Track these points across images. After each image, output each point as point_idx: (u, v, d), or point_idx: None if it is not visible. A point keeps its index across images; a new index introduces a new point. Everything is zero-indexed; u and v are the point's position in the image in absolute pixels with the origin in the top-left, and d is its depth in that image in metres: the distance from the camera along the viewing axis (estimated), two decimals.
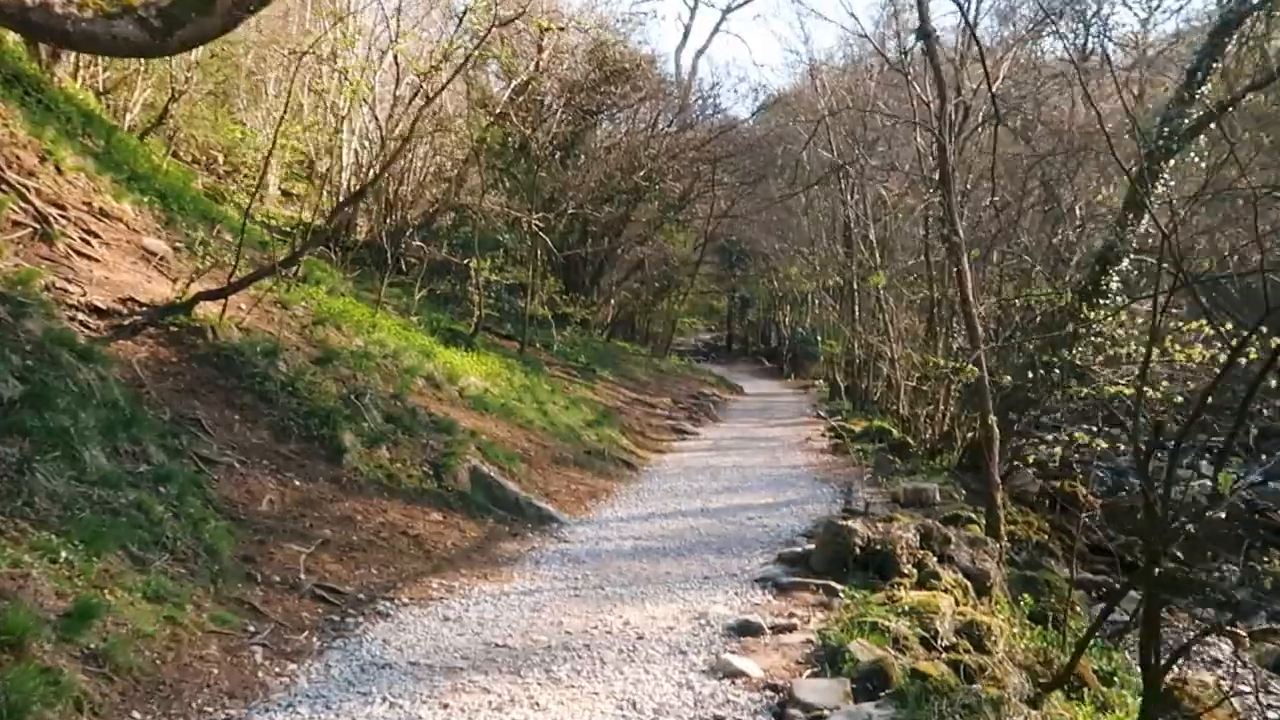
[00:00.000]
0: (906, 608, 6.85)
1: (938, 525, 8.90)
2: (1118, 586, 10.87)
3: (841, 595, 7.66)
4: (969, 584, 8.28)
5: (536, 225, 23.01)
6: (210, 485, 8.22)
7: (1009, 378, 13.34)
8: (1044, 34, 26.31)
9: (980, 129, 19.25)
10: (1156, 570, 5.69)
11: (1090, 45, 28.40)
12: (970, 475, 14.49)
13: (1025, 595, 9.27)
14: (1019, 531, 13.58)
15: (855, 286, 25.74)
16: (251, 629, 6.48)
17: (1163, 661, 5.87)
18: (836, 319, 29.58)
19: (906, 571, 8.12)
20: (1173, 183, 14.44)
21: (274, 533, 8.03)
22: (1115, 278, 14.33)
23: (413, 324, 16.55)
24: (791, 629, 6.84)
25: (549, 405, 16.37)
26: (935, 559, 8.46)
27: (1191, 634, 11.16)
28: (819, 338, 39.77)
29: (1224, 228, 15.67)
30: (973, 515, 10.37)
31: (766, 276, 41.23)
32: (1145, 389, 7.27)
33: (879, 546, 8.29)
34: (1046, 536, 14.17)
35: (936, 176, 19.37)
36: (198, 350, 10.24)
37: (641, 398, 23.51)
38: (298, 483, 9.03)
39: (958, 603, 7.54)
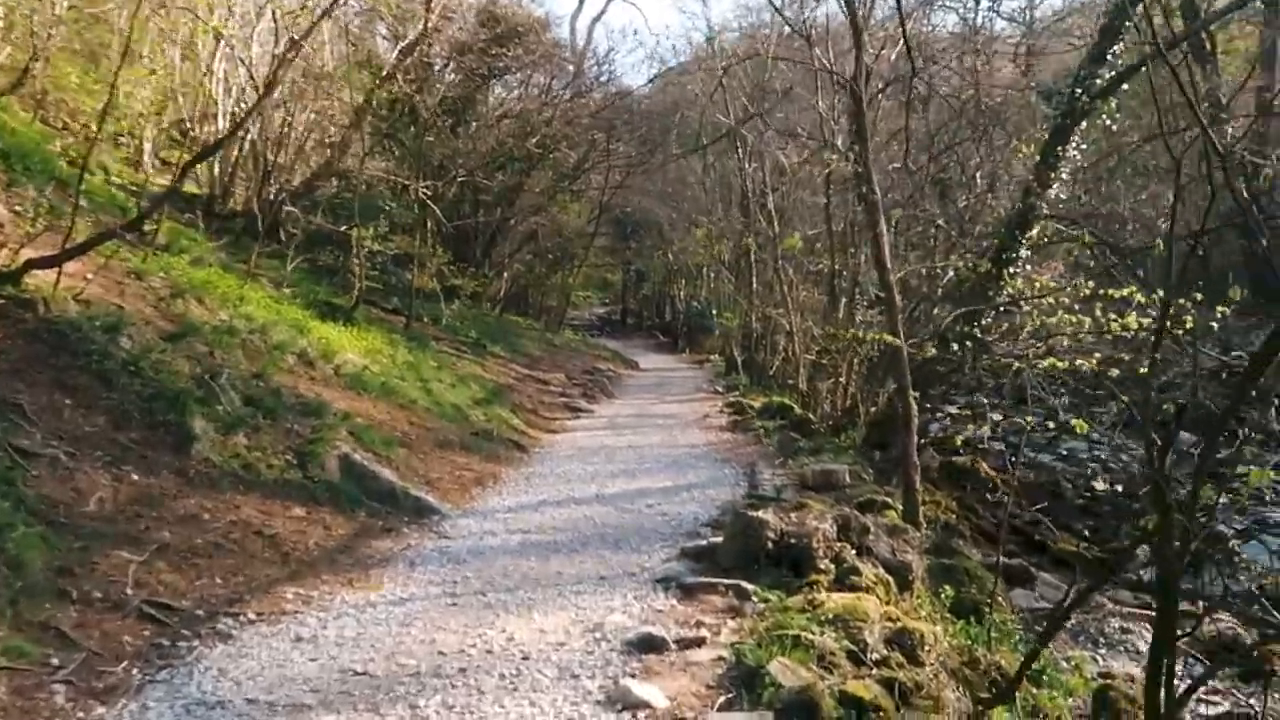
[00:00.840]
0: (830, 615, 5.98)
1: (855, 514, 8.08)
2: (1072, 590, 10.23)
3: (754, 598, 6.76)
4: (890, 579, 7.47)
5: (424, 193, 21.73)
6: (25, 483, 6.96)
7: (933, 349, 12.63)
8: (935, 5, 25.94)
9: (881, 94, 18.56)
10: (1169, 591, 4.84)
11: (980, 20, 28.05)
12: (876, 453, 13.81)
13: (945, 586, 8.53)
14: (928, 512, 12.89)
15: (753, 257, 24.99)
16: (55, 661, 5.33)
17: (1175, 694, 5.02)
18: (733, 291, 28.80)
19: (823, 567, 7.28)
20: (1084, 146, 13.92)
21: (101, 538, 6.82)
22: (1024, 244, 13.73)
23: (286, 297, 15.23)
24: (700, 643, 5.92)
25: (434, 384, 15.23)
26: (853, 551, 7.63)
27: (1116, 620, 10.64)
28: (714, 311, 39.13)
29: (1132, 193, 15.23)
30: (888, 500, 9.60)
31: (662, 249, 40.36)
32: (1151, 375, 6.48)
33: (793, 540, 7.43)
34: (955, 517, 13.54)
35: (840, 140, 18.72)
36: (25, 325, 8.92)
37: (534, 374, 22.45)
38: (135, 477, 7.81)
39: (883, 603, 6.70)
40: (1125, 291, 8.37)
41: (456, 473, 11.36)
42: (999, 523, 14.29)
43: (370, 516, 9.02)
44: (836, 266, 18.73)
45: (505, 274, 33.23)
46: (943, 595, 8.54)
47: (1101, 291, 8.92)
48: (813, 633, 5.67)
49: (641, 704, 5.01)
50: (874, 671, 5.55)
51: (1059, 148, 13.59)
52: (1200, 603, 11.04)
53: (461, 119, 27.82)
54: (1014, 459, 17.56)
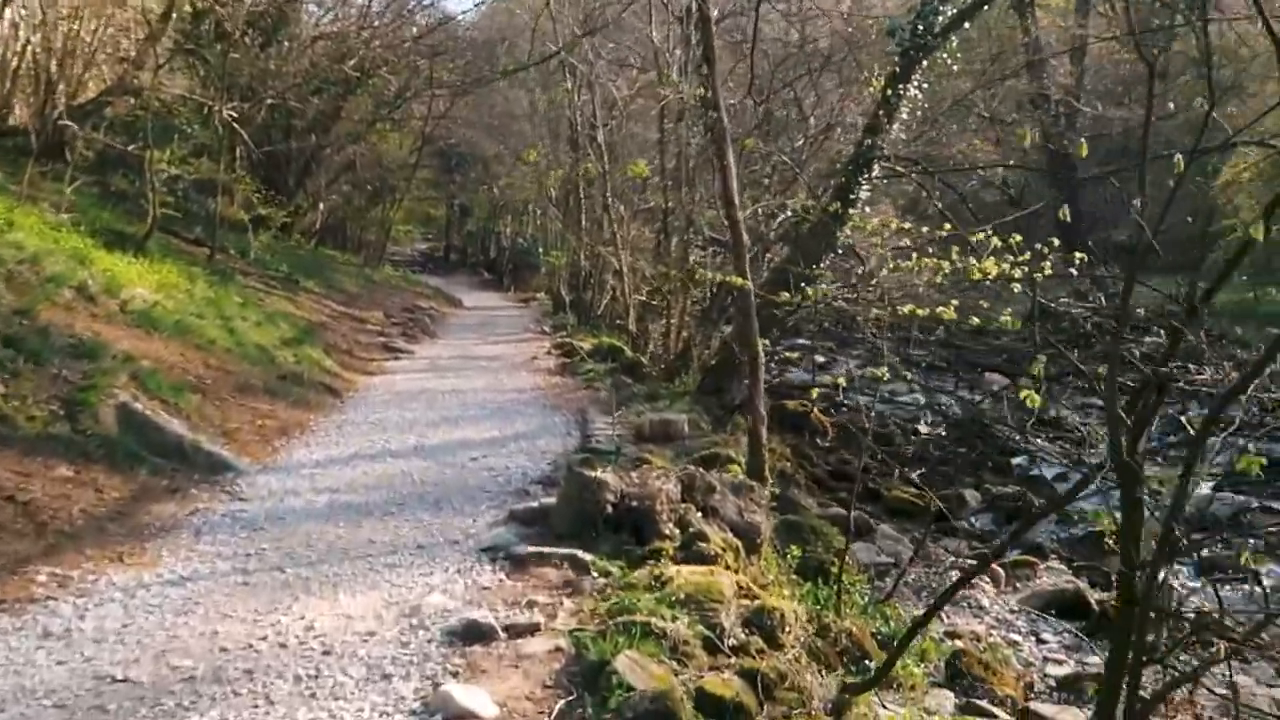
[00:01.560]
0: (682, 594, 5.25)
1: (700, 472, 7.37)
2: (964, 562, 9.83)
3: (593, 571, 5.99)
4: (738, 543, 6.81)
5: (230, 115, 19.95)
6: None
7: (785, 294, 12.03)
8: None
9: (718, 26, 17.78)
10: (1133, 606, 4.19)
11: None
12: (713, 400, 13.22)
13: (792, 546, 7.96)
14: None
15: (582, 193, 24.05)
16: None
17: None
18: (561, 229, 27.81)
19: (668, 533, 6.57)
20: (925, 85, 13.51)
21: None
22: (865, 185, 13.26)
23: (66, 224, 13.54)
24: (534, 630, 5.10)
25: (238, 321, 13.85)
26: (699, 513, 6.94)
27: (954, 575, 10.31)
28: (541, 249, 38.08)
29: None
30: (732, 454, 8.95)
31: (487, 184, 38.96)
32: (1118, 341, 5.86)
33: (634, 503, 6.68)
34: (790, 465, 13.09)
35: (675, 72, 17.90)
36: None
37: (350, 311, 21.07)
38: None
39: (734, 572, 6.03)
40: (980, 235, 7.86)
41: (259, 422, 10.19)
42: (836, 471, 14.01)
43: (153, 475, 7.83)
44: (669, 204, 17.98)
45: (321, 205, 31.36)
46: (789, 556, 7.96)
47: (948, 234, 8.41)
48: (663, 618, 4.93)
49: (466, 715, 4.16)
50: (733, 661, 4.86)
51: (900, 86, 13.12)
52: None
53: (272, 38, 25.80)
54: (870, 407, 17.37)
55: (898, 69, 13.18)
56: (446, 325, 24.07)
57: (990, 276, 7.52)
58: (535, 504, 7.33)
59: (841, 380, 10.87)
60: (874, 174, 13.42)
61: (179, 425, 8.76)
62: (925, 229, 10.96)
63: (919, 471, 15.39)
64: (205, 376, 10.79)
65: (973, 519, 12.98)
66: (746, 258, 8.40)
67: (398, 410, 12.05)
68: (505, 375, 15.73)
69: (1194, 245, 27.39)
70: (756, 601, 5.54)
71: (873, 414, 8.82)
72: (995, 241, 7.89)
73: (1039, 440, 19.36)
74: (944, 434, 17.37)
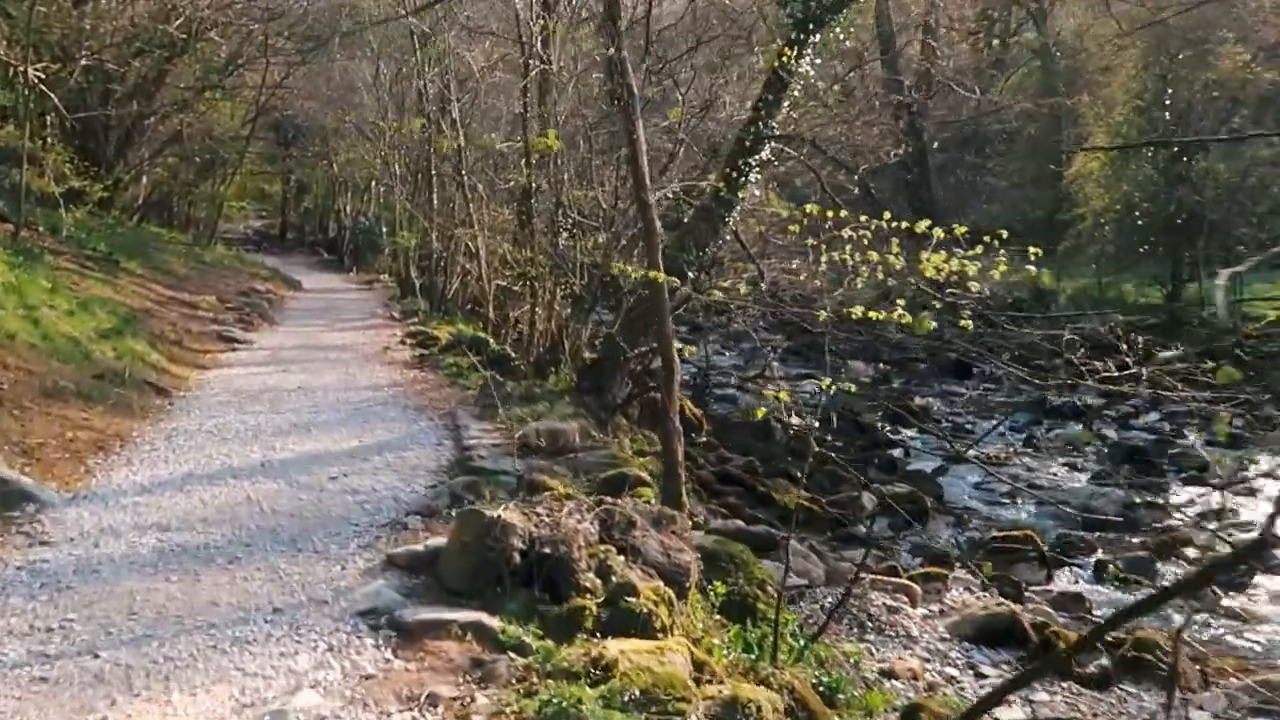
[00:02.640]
0: (635, 689, 4.02)
1: (619, 506, 6.13)
2: (856, 579, 8.77)
3: (508, 649, 4.70)
4: (670, 592, 5.62)
5: (38, 76, 17.64)
6: None
7: (688, 285, 10.85)
8: None
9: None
10: None
11: None
12: (592, 399, 11.98)
13: (715, 583, 6.83)
14: (649, 465, 11.22)
15: (434, 171, 22.40)
16: None
17: None
18: (409, 208, 26.02)
19: (588, 585, 5.34)
20: (818, 61, 12.52)
21: None
22: (754, 166, 12.20)
23: None
24: None
25: (44, 311, 11.91)
26: (620, 555, 5.71)
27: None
28: (385, 229, 36.03)
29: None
30: (640, 474, 7.73)
31: (327, 159, 36.61)
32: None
33: (547, 549, 5.41)
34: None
35: (539, 43, 16.53)
36: None
37: (179, 296, 19.00)
38: None
39: (687, 644, 4.84)
40: (922, 226, 6.82)
41: (69, 434, 8.47)
42: (721, 474, 12.97)
43: None
44: (534, 183, 16.61)
45: (145, 179, 28.72)
46: (712, 593, 6.81)
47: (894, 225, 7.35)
48: None
49: None
50: None
51: (791, 61, 12.10)
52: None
53: None
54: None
55: (790, 40, 12.14)
56: (286, 310, 22.12)
57: (943, 274, 6.48)
58: (420, 547, 5.97)
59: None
60: (763, 155, 12.36)
61: None
62: (822, 214, 9.93)
63: (798, 465, 14.67)
64: (1, 380, 8.98)
65: (868, 522, 12.11)
66: (659, 247, 7.18)
67: (238, 414, 10.42)
68: (357, 369, 14.15)
69: (1046, 231, 27.62)
70: (723, 690, 4.36)
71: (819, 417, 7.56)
72: (938, 232, 6.86)
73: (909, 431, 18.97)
74: (816, 426, 16.58)
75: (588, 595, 5.26)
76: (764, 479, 13.26)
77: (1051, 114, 30.57)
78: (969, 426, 19.97)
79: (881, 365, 25.69)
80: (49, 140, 19.13)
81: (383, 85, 28.92)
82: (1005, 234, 6.90)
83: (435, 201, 22.26)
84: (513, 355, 14.20)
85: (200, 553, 6.07)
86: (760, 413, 5.91)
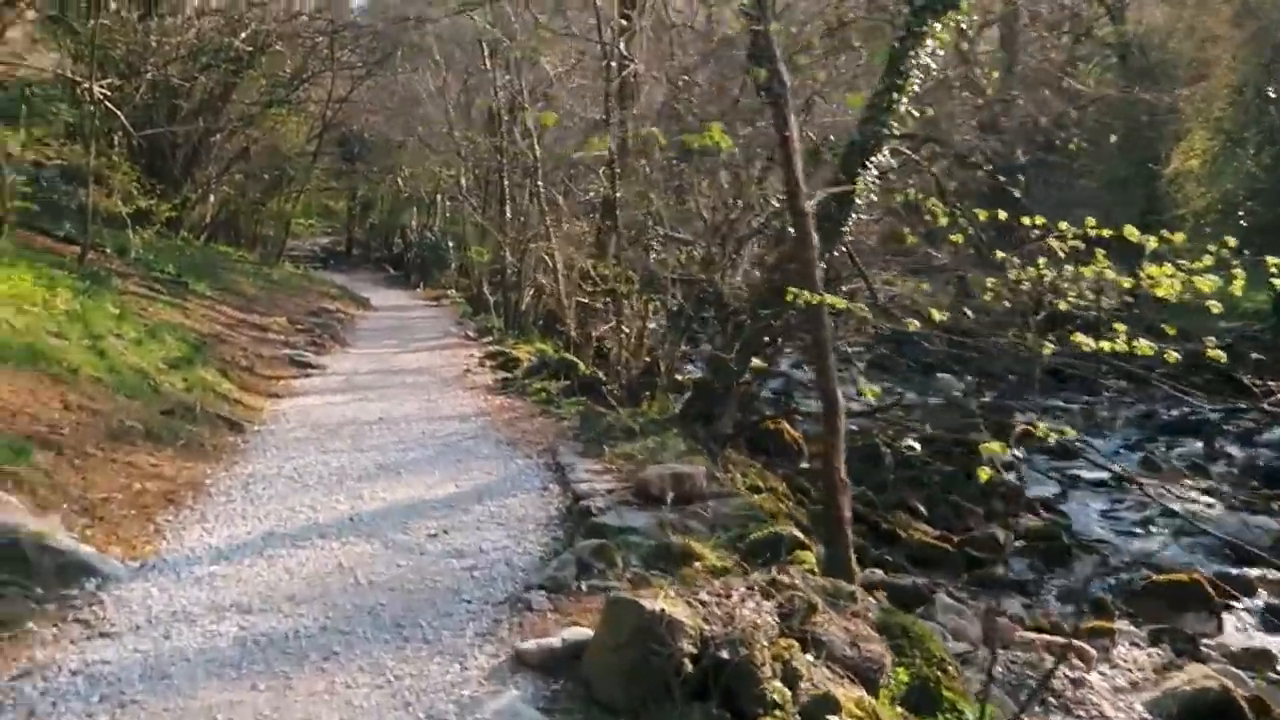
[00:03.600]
0: None
1: (796, 589, 4.95)
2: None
3: None
4: (873, 702, 4.46)
5: (103, 92, 16.88)
6: None
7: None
8: None
9: None
10: None
11: None
12: (699, 428, 10.81)
13: (898, 670, 5.64)
14: (765, 502, 10.00)
15: (506, 184, 21.40)
16: None
17: None
18: (480, 222, 25.01)
19: (775, 696, 4.19)
20: (940, 53, 11.30)
21: None
22: (873, 170, 10.97)
23: None
24: None
25: (111, 340, 11.00)
26: (806, 653, 4.56)
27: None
28: (450, 244, 35.22)
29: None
30: (797, 534, 6.54)
31: (392, 174, 35.88)
32: None
33: (724, 653, 4.26)
34: (786, 503, 10.78)
35: (622, 44, 15.48)
36: None
37: (249, 318, 18.16)
38: None
39: None
40: (1134, 234, 5.58)
41: (136, 485, 7.46)
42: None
43: None
44: (618, 193, 15.52)
45: (212, 197, 28.08)
46: (893, 682, 5.60)
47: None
48: None
49: None
50: None
51: (912, 52, 10.88)
52: None
53: (152, 10, 22.62)
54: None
55: (909, 31, 10.91)
56: (357, 330, 21.21)
57: (1176, 290, 5.25)
58: (554, 640, 4.84)
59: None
60: (880, 157, 11.13)
61: (16, 509, 6.03)
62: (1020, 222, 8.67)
63: (916, 496, 13.38)
64: (62, 422, 8.01)
65: (1009, 564, 10.81)
66: (816, 263, 6.02)
67: (318, 453, 9.40)
68: (439, 395, 13.13)
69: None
70: None
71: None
72: (1151, 241, 5.62)
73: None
74: (917, 448, 15.29)
75: (776, 712, 4.11)
76: (884, 514, 12.01)
77: (1143, 110, 28.93)
78: (1077, 444, 18.50)
79: (969, 378, 24.24)
80: (116, 159, 18.35)
81: (449, 96, 28.04)
82: (1233, 241, 5.66)
83: (508, 214, 21.24)
84: (603, 379, 13.08)
85: (290, 646, 4.99)
86: (984, 474, 4.76)
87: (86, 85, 16.85)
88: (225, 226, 30.58)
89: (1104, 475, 15.60)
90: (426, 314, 26.07)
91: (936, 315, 5.87)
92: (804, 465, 13.40)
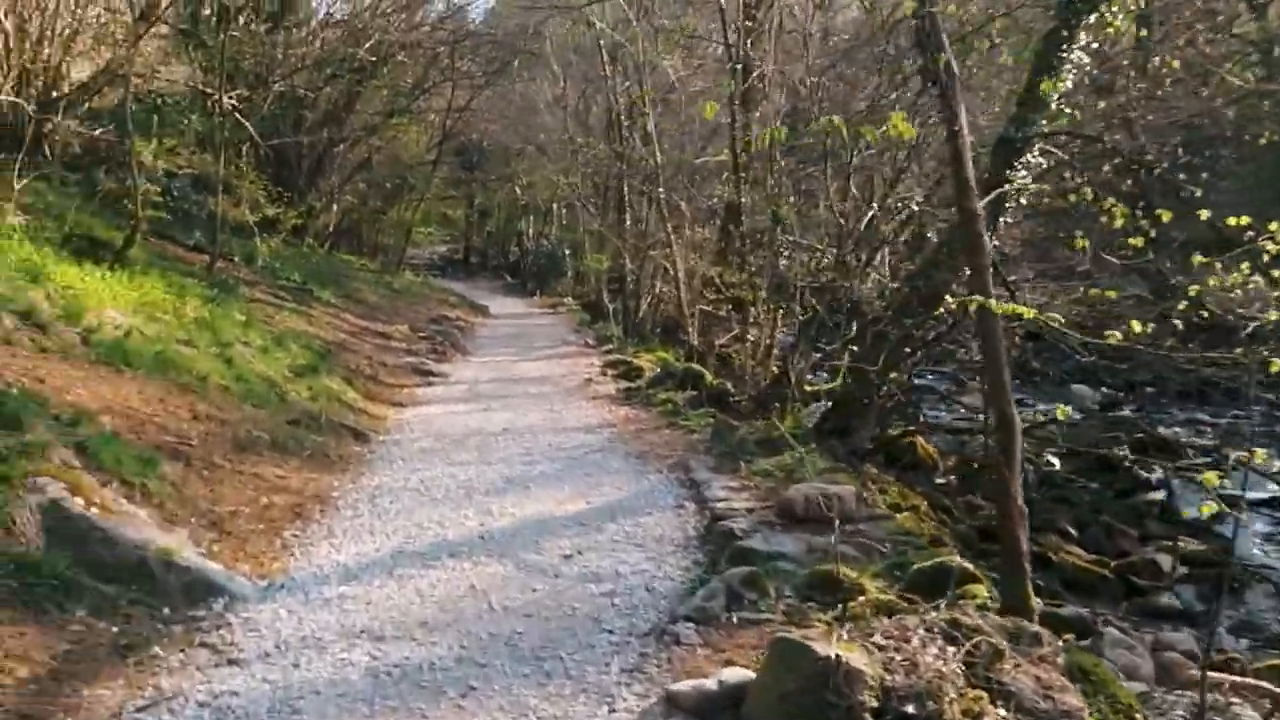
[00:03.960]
0: None
1: (982, 633, 4.40)
2: None
3: None
4: None
5: (232, 104, 17.07)
6: None
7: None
8: None
9: None
10: None
11: None
12: (836, 443, 10.26)
13: None
14: (910, 524, 9.37)
15: (626, 189, 21.08)
16: None
17: None
18: (598, 229, 24.74)
19: None
20: (1094, 44, 10.57)
21: None
22: (1020, 170, 10.29)
23: (18, 230, 10.66)
24: None
25: (238, 348, 10.93)
26: (996, 706, 4.01)
27: None
28: (566, 251, 35.14)
29: None
30: (966, 565, 5.98)
31: (510, 182, 35.96)
32: None
33: (910, 707, 3.75)
34: (929, 523, 10.12)
35: (750, 42, 15.00)
36: None
37: (372, 325, 18.18)
38: None
39: None
40: None
41: (263, 499, 7.25)
42: (984, 529, 11.07)
43: (94, 618, 4.91)
44: (741, 199, 15.04)
45: (335, 206, 28.45)
46: None
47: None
48: None
49: None
50: None
51: (1063, 46, 10.17)
52: None
53: (279, 22, 22.91)
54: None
55: (1062, 22, 10.21)
56: (477, 338, 21.12)
57: None
58: (709, 682, 4.37)
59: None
60: (1030, 157, 10.43)
61: (144, 523, 5.82)
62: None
63: (1063, 515, 12.59)
64: (191, 432, 7.85)
65: (1174, 592, 9.99)
66: (988, 269, 5.47)
67: (444, 464, 9.13)
68: (562, 406, 12.82)
69: None
70: None
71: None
72: None
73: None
74: (1056, 465, 14.42)
75: None
76: (1033, 535, 11.24)
77: None
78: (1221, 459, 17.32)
79: (1105, 389, 23.06)
80: (244, 168, 18.53)
81: (566, 104, 27.90)
82: None
83: (627, 221, 20.91)
84: (731, 390, 12.61)
85: (424, 679, 4.63)
86: (1208, 509, 4.16)
87: (216, 96, 17.08)
88: (347, 235, 30.99)
89: (1264, 495, 14.55)
90: (544, 321, 25.92)
91: (1137, 327, 5.25)
92: (939, 480, 12.76)
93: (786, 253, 13.18)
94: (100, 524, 5.39)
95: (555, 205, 36.88)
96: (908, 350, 10.29)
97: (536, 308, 30.75)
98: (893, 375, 10.08)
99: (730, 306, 16.66)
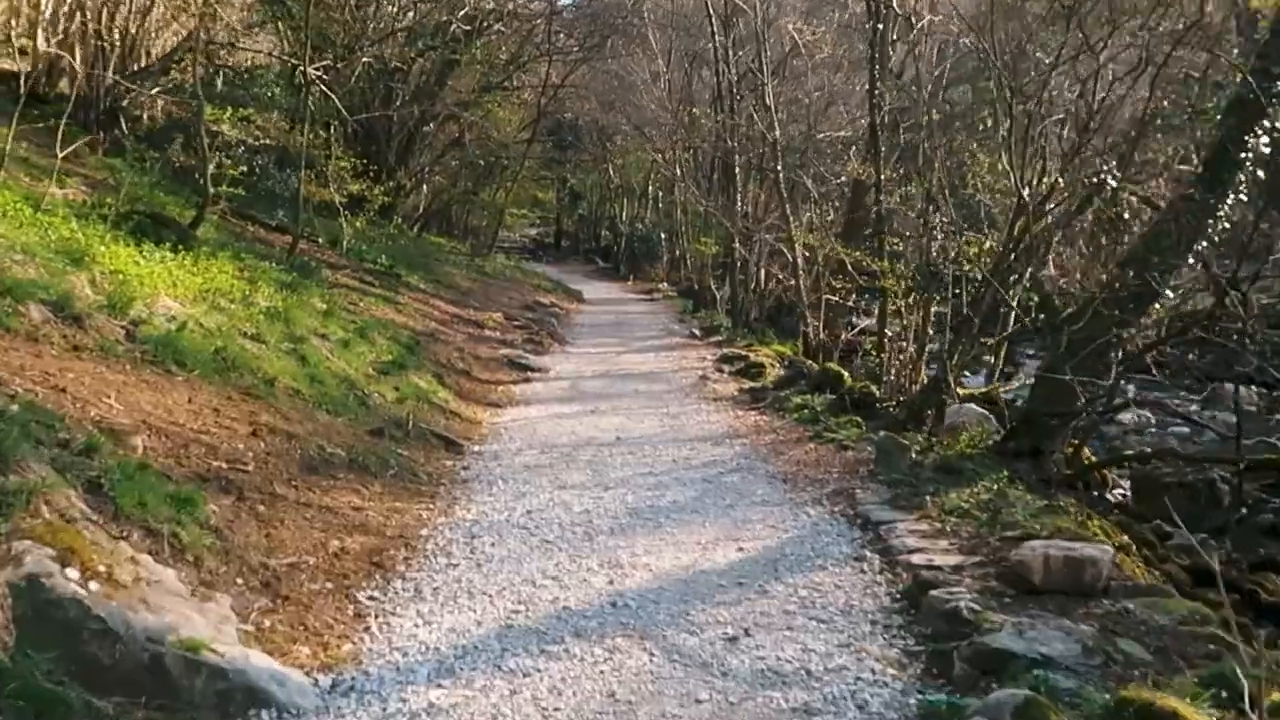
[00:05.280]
0: None
1: None
2: None
3: None
4: None
5: (317, 74, 15.58)
6: None
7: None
8: None
9: None
10: None
11: None
12: (1024, 465, 8.33)
13: None
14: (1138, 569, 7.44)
15: (737, 168, 19.23)
16: None
17: None
18: (708, 207, 22.77)
19: None
20: None
21: None
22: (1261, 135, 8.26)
23: (62, 204, 9.23)
24: None
25: (313, 342, 9.38)
26: None
27: None
28: (661, 235, 33.44)
29: None
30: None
31: (605, 163, 34.32)
32: None
33: None
34: (1141, 563, 8.16)
35: None
36: None
37: (464, 313, 16.64)
38: None
39: None
40: None
41: (334, 542, 5.62)
42: (1194, 568, 9.09)
43: None
44: (881, 174, 13.14)
45: (425, 186, 27.04)
46: None
47: None
48: None
49: None
50: None
51: None
52: None
53: None
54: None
55: None
56: (574, 326, 19.49)
57: None
58: None
59: None
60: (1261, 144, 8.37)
61: (168, 593, 4.21)
62: None
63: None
64: (248, 452, 6.27)
65: None
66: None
67: (553, 486, 7.47)
68: (678, 408, 11.13)
69: None
70: None
71: None
72: None
73: None
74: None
75: None
76: (1246, 572, 9.22)
77: None
78: None
79: (1263, 389, 20.58)
80: (330, 143, 17.07)
81: (667, 79, 26.08)
82: None
83: (739, 202, 19.05)
84: (876, 394, 10.76)
85: None
86: None
87: (302, 68, 15.61)
88: (438, 216, 29.60)
89: None
90: (642, 309, 24.22)
91: None
92: (1111, 499, 10.76)
93: (940, 235, 11.25)
94: (98, 608, 3.77)
95: (650, 187, 35.18)
96: (1115, 357, 8.31)
97: (631, 294, 29.07)
98: (1093, 386, 8.12)
99: (857, 295, 14.81)
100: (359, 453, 7.25)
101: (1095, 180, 9.67)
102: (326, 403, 8.01)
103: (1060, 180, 9.70)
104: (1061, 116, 10.53)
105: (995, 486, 7.03)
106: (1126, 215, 9.52)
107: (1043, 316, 8.82)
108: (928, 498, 6.83)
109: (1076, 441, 8.82)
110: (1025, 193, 9.80)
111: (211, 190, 11.43)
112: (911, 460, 7.79)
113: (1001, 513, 6.42)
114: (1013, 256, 10.13)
